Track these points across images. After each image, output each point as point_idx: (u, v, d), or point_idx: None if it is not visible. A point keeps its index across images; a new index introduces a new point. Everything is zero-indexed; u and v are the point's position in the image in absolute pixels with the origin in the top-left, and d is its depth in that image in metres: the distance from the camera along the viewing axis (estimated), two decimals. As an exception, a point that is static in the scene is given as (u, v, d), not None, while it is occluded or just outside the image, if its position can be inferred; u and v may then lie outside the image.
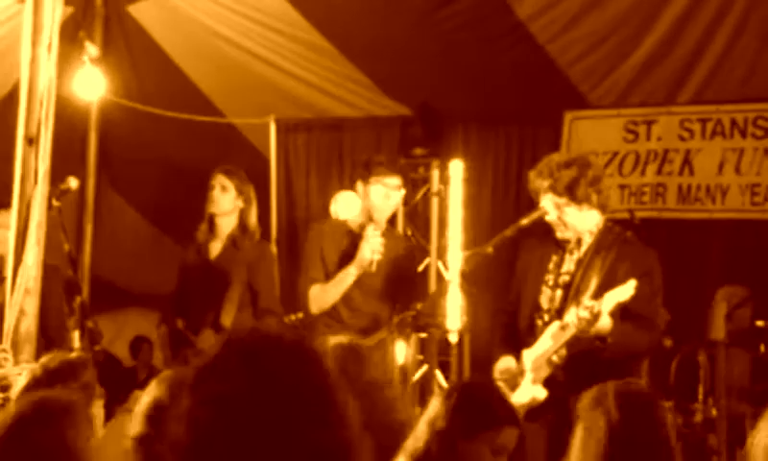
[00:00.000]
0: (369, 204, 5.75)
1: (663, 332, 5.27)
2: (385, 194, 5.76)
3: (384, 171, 5.79)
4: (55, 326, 5.63)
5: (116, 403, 4.79)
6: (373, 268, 5.63)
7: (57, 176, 5.26)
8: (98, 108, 8.19)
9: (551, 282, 4.91)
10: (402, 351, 5.69)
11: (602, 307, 4.50)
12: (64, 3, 5.50)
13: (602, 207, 4.91)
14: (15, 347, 4.98)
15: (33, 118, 5.12)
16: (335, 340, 3.65)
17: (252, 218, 6.16)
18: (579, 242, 4.91)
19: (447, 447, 3.04)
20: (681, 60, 6.97)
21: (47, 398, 2.93)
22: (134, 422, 3.08)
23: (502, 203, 7.80)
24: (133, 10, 7.77)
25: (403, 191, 5.97)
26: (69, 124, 6.88)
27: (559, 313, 4.81)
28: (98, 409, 3.85)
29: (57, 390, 3.34)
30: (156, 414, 2.99)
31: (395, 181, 5.79)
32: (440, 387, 6.81)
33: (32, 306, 5.07)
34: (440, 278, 7.53)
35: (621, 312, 4.59)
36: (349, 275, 5.66)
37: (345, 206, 5.81)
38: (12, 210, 5.15)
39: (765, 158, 7.07)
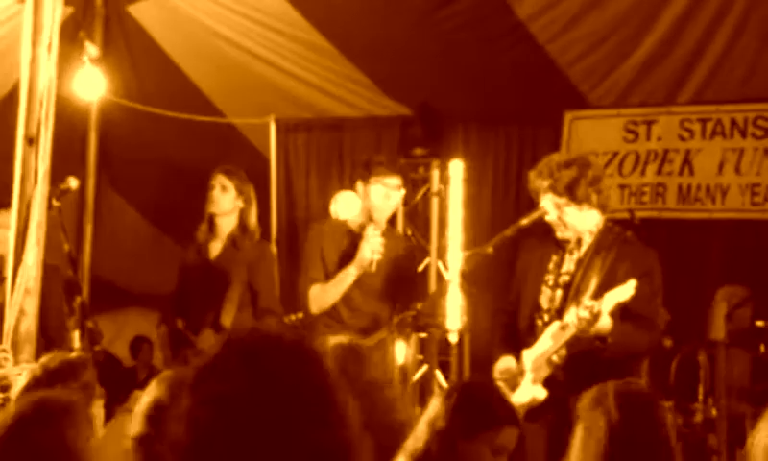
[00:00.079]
0: (369, 204, 5.75)
1: (663, 332, 5.27)
2: (385, 194, 5.76)
3: (384, 171, 5.78)
4: (55, 326, 5.63)
5: (116, 403, 4.79)
6: (373, 268, 5.63)
7: (57, 176, 5.26)
8: (98, 108, 8.19)
9: (551, 282, 4.91)
10: (402, 351, 5.68)
11: (602, 307, 4.50)
12: (64, 3, 5.50)
13: (602, 207, 4.91)
14: (15, 347, 4.98)
15: (33, 118, 5.12)
16: (335, 340, 3.65)
17: (252, 218, 6.16)
18: (579, 242, 4.91)
19: (447, 447, 3.04)
20: (681, 60, 6.97)
21: (47, 398, 2.93)
22: (134, 422, 3.08)
23: (502, 203, 7.80)
24: (133, 10, 7.77)
25: (403, 191, 5.97)
26: (69, 124, 6.88)
27: (559, 313, 4.81)
28: (98, 409, 3.85)
29: (57, 390, 3.34)
30: (157, 414, 2.99)
31: (394, 181, 5.79)
32: (440, 387, 6.81)
33: (32, 306, 5.07)
34: (440, 278, 7.53)
35: (621, 312, 4.59)
36: (349, 275, 5.66)
37: (345, 206, 5.81)
38: (12, 210, 5.15)
39: (765, 159, 7.07)
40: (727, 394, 6.39)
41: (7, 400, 4.30)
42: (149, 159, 8.79)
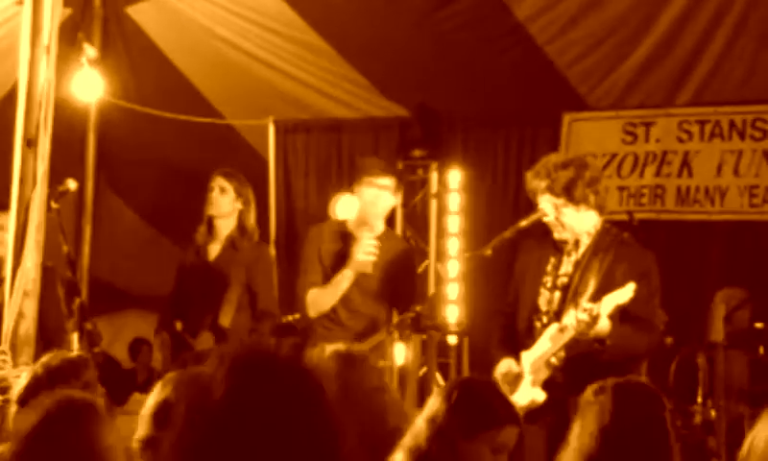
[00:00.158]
0: (362, 205, 5.76)
1: (663, 332, 5.27)
2: (375, 195, 5.76)
3: (374, 172, 5.79)
4: (53, 327, 5.62)
5: (115, 405, 4.79)
6: (369, 269, 5.63)
7: (55, 177, 5.26)
8: (96, 109, 8.18)
9: (549, 284, 4.91)
10: (402, 353, 5.68)
11: (601, 310, 4.50)
12: (63, 4, 5.50)
13: (600, 208, 4.90)
14: (14, 349, 4.98)
15: (31, 120, 5.12)
16: (332, 347, 3.64)
17: (251, 220, 6.16)
18: (577, 244, 4.91)
19: (448, 446, 3.03)
20: (679, 61, 6.97)
21: (73, 397, 2.92)
22: (141, 424, 3.07)
23: (501, 204, 7.79)
24: (132, 11, 7.77)
25: (398, 193, 5.95)
26: (68, 125, 6.87)
27: (557, 315, 4.80)
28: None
29: (78, 391, 3.32)
30: (163, 415, 2.98)
31: (385, 181, 5.78)
32: (438, 385, 6.80)
33: (30, 309, 5.07)
34: (438, 279, 7.52)
35: (620, 314, 4.59)
36: (345, 278, 5.66)
37: (343, 207, 5.81)
38: (10, 212, 5.14)
39: (764, 160, 7.07)
40: (726, 395, 6.39)
41: (6, 402, 4.30)
42: (147, 161, 8.78)
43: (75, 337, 5.11)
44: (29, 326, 5.07)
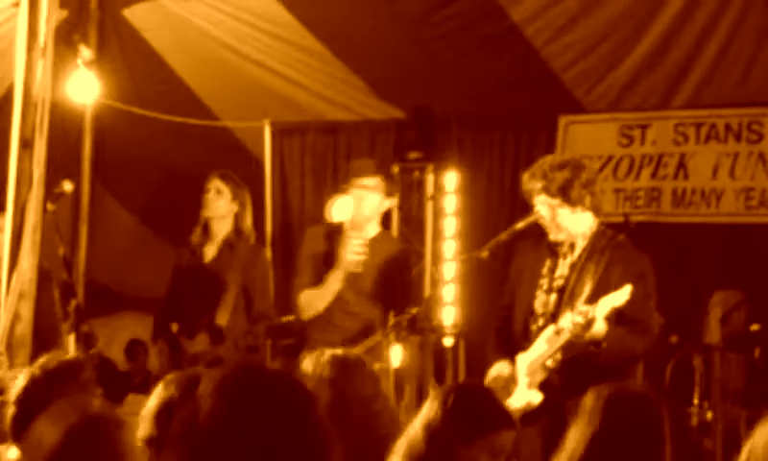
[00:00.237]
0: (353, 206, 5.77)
1: (661, 333, 5.27)
2: (361, 195, 5.76)
3: (360, 172, 5.80)
4: (46, 327, 5.61)
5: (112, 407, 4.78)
6: (359, 268, 5.63)
7: (51, 179, 5.25)
8: (92, 111, 8.16)
9: (545, 287, 4.91)
10: (398, 356, 5.67)
11: (596, 313, 4.50)
12: (59, 6, 5.49)
13: (595, 210, 4.90)
14: (10, 351, 4.97)
15: (27, 121, 5.11)
16: (329, 353, 3.63)
17: (247, 222, 6.16)
18: (572, 246, 4.91)
19: (445, 452, 3.03)
20: (675, 64, 6.98)
21: (97, 410, 2.89)
22: (143, 424, 3.07)
23: (497, 207, 7.80)
24: (128, 13, 7.76)
25: (387, 193, 5.93)
26: (64, 127, 6.88)
27: (553, 317, 4.80)
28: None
29: (93, 400, 3.29)
30: (166, 415, 2.98)
31: (369, 181, 5.78)
32: (435, 388, 6.79)
33: (26, 311, 5.06)
34: (434, 282, 7.52)
35: (615, 316, 4.59)
36: (335, 278, 5.66)
37: (339, 209, 5.81)
38: (6, 214, 5.14)
39: (759, 163, 7.09)
40: (722, 397, 6.40)
41: (3, 403, 4.29)
42: (144, 163, 8.78)
43: (71, 339, 5.10)
44: (25, 327, 5.06)
